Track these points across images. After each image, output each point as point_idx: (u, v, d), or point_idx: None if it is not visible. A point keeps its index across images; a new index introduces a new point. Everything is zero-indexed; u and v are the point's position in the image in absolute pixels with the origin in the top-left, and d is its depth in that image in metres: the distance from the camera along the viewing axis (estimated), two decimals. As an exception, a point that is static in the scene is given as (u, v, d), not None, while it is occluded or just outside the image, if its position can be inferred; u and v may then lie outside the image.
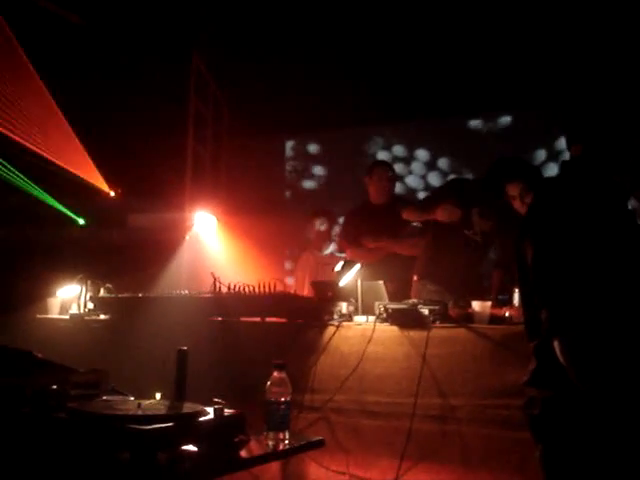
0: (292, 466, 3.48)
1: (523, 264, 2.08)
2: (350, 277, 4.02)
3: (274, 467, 3.42)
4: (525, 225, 2.11)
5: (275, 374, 2.18)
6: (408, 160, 7.41)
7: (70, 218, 6.19)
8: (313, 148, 7.82)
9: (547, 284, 1.99)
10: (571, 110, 2.26)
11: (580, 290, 1.93)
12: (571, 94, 5.09)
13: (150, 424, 1.81)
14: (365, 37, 6.55)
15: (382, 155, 7.47)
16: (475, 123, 7.17)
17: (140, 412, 1.94)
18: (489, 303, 3.48)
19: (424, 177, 7.31)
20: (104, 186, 6.37)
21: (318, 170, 7.78)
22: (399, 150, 7.44)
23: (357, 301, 3.83)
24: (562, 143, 6.74)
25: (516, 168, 4.26)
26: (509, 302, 3.46)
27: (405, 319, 3.45)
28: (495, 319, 3.43)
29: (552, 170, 6.58)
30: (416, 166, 7.35)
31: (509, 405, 3.12)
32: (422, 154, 7.33)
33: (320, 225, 5.77)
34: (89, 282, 4.48)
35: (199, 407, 2.03)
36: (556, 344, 1.95)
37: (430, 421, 3.28)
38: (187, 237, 6.16)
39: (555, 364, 1.98)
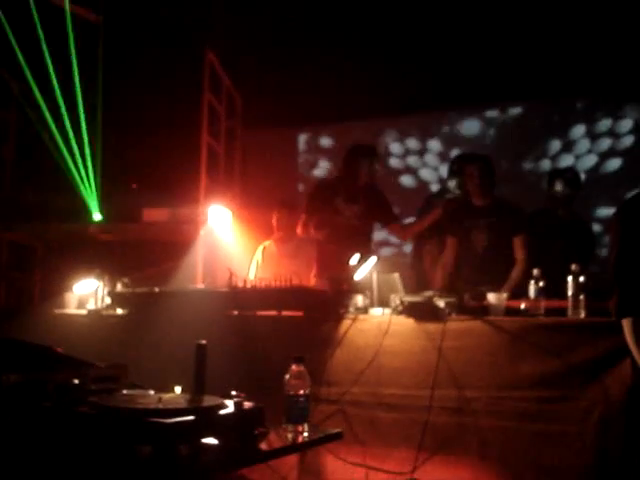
0: (309, 458, 3.50)
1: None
2: (366, 270, 4.03)
3: (291, 459, 3.44)
4: (617, 217, 2.28)
5: (294, 367, 2.20)
6: (422, 152, 7.40)
7: (86, 213, 6.21)
8: (326, 141, 7.82)
9: (622, 269, 2.24)
10: None
11: None
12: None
13: (171, 418, 1.83)
14: (376, 29, 6.54)
15: (395, 147, 7.46)
16: (490, 113, 7.15)
17: (161, 406, 1.96)
18: (505, 295, 3.48)
19: (437, 169, 7.30)
20: (120, 181, 6.40)
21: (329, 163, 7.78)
22: (412, 142, 7.43)
23: (372, 294, 3.84)
24: (575, 133, 6.73)
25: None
26: (525, 294, 3.46)
27: (421, 312, 3.46)
28: (511, 311, 3.43)
29: (565, 161, 6.56)
30: (429, 158, 7.33)
31: (525, 397, 3.13)
32: (435, 145, 7.32)
33: (277, 219, 5.39)
34: (106, 277, 4.50)
35: (219, 400, 2.05)
36: (625, 324, 2.08)
37: (446, 413, 3.29)
38: (202, 231, 6.17)
39: None
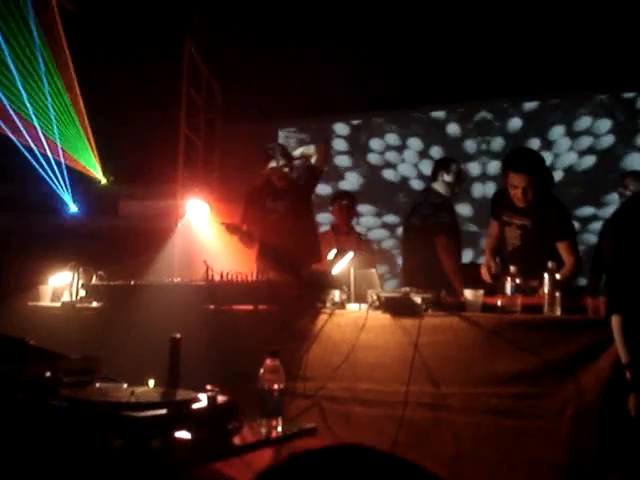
0: (284, 453, 3.48)
1: (602, 255, 2.49)
2: (343, 265, 4.02)
3: (266, 454, 3.43)
4: (611, 224, 2.57)
5: (268, 361, 2.18)
6: (401, 148, 7.42)
7: (62, 205, 6.16)
8: (305, 137, 7.80)
9: (617, 267, 2.39)
10: None
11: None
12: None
13: (143, 411, 1.82)
14: (358, 25, 6.54)
15: (375, 143, 7.47)
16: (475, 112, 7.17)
17: (133, 399, 1.94)
18: (481, 292, 3.48)
19: (416, 165, 7.32)
20: (97, 173, 6.36)
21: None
22: (392, 138, 7.44)
23: (350, 289, 3.83)
24: (555, 133, 6.77)
25: (525, 160, 4.18)
26: (502, 291, 3.47)
27: (398, 307, 3.45)
28: (488, 308, 3.44)
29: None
30: (408, 154, 7.35)
31: (500, 393, 3.14)
32: (415, 142, 7.34)
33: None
34: (81, 269, 4.46)
35: (192, 394, 2.04)
36: (613, 320, 2.33)
37: (422, 409, 3.29)
38: (179, 224, 6.15)
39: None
